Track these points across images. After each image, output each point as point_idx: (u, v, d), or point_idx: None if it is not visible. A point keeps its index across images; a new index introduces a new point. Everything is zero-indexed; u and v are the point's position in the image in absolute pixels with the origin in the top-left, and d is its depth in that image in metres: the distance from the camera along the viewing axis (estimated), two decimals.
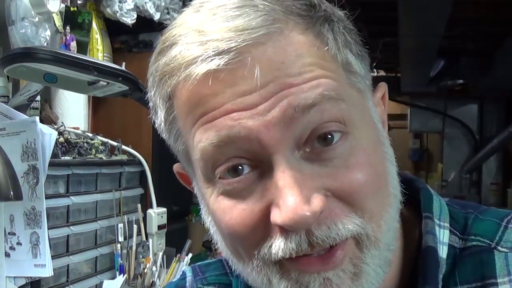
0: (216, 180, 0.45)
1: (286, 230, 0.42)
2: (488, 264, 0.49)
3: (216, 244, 0.51)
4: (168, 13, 1.85)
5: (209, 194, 0.46)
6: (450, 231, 0.51)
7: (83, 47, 1.62)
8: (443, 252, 0.50)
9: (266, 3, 0.43)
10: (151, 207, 1.67)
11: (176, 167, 0.55)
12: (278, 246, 0.43)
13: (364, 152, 0.44)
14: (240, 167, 0.43)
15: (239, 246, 0.46)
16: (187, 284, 0.60)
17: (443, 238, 0.50)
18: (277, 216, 0.41)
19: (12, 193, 1.00)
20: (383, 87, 0.53)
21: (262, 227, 0.43)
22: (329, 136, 0.43)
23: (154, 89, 0.48)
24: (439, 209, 0.52)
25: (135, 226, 1.58)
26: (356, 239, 0.44)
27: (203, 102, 0.43)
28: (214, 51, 0.41)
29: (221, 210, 0.45)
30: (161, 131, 0.50)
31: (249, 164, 0.43)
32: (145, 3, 1.74)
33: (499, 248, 0.49)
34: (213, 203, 0.46)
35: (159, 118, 0.49)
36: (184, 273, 0.62)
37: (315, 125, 0.42)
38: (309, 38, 0.44)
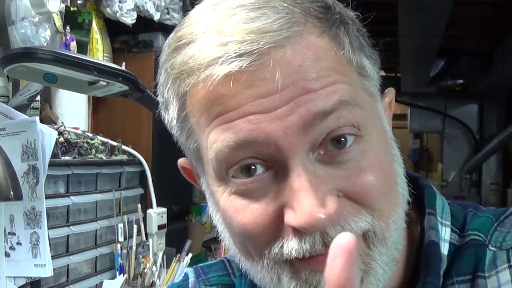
0: (228, 179, 0.45)
1: (300, 231, 0.42)
2: (481, 258, 0.50)
3: (223, 241, 0.51)
4: (168, 13, 1.85)
5: (220, 193, 0.46)
6: (451, 229, 0.52)
7: (83, 47, 1.62)
8: (444, 248, 0.51)
9: (285, 5, 0.43)
10: (151, 207, 1.67)
11: (181, 161, 0.55)
12: (291, 246, 0.43)
13: (375, 155, 0.45)
14: (253, 167, 0.44)
15: (249, 245, 0.46)
16: (190, 285, 0.60)
17: (444, 235, 0.52)
18: (292, 219, 0.42)
19: (12, 193, 1.00)
20: (391, 93, 0.54)
21: (275, 228, 0.44)
22: (343, 139, 0.43)
23: (168, 86, 0.47)
24: (441, 207, 0.53)
25: (135, 226, 1.58)
26: (364, 236, 0.44)
27: (220, 102, 0.43)
28: (236, 52, 0.41)
29: (233, 209, 0.45)
30: (171, 127, 0.50)
31: (263, 164, 0.44)
32: (145, 3, 1.74)
33: (490, 247, 0.51)
34: (224, 202, 0.46)
35: (171, 115, 0.49)
36: (186, 275, 0.62)
37: (331, 129, 0.43)
38: (326, 41, 0.44)
